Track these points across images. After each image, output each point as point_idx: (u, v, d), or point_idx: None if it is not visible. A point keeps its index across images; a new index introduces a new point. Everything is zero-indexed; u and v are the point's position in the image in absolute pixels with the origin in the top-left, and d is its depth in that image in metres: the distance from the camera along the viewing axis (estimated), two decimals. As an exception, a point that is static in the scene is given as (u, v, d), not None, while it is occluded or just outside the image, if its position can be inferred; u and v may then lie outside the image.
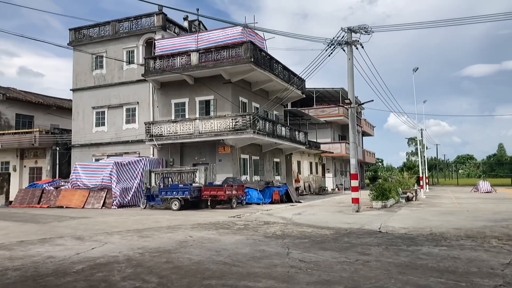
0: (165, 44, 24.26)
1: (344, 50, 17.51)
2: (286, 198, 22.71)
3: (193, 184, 19.09)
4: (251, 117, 21.45)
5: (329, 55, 17.73)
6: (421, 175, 26.78)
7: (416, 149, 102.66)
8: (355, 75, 17.35)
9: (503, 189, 36.21)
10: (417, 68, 27.20)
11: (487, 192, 30.95)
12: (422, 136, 36.62)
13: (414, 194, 23.36)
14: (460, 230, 11.06)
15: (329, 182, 39.31)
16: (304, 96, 31.27)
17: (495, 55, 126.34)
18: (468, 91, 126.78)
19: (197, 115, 23.67)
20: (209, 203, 18.66)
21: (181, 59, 23.38)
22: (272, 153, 27.85)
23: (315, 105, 41.74)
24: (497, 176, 65.63)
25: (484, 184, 32.39)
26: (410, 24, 27.36)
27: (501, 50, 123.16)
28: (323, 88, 41.54)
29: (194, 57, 22.99)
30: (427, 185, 35.92)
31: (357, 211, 16.24)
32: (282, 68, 26.30)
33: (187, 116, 23.99)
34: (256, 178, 25.35)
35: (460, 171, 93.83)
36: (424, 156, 38.53)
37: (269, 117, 26.22)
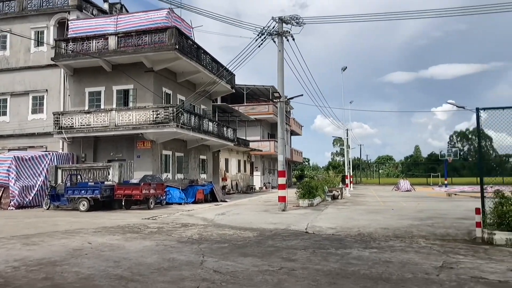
0: (79, 25, 21.80)
1: (274, 42, 16.66)
2: (211, 198, 21.44)
3: (105, 183, 17.09)
4: (175, 110, 19.85)
5: (259, 46, 16.82)
6: (346, 174, 27.00)
7: (341, 149, 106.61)
8: (287, 73, 16.62)
9: (421, 188, 38.01)
10: (346, 67, 27.41)
11: (407, 191, 32.10)
12: (347, 135, 37.32)
13: (339, 192, 23.28)
14: (388, 229, 10.56)
15: (257, 180, 38.71)
16: (233, 91, 30.19)
17: (413, 64, 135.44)
18: (389, 96, 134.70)
19: (114, 106, 21.48)
20: (123, 204, 16.80)
21: (98, 42, 21.09)
22: (198, 150, 26.42)
23: (245, 102, 40.93)
24: (413, 176, 69.67)
25: (404, 183, 33.63)
26: (343, 16, 27.38)
27: (418, 60, 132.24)
28: (254, 85, 40.86)
29: (112, 41, 20.83)
30: (351, 184, 36.64)
31: (284, 210, 15.45)
32: (210, 60, 24.96)
33: (102, 107, 21.69)
34: (180, 176, 23.76)
35: (380, 171, 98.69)
36: (349, 155, 39.33)
37: (195, 111, 24.75)
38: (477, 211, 9.47)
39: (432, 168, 77.50)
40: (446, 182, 40.89)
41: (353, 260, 6.94)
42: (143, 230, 10.63)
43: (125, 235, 9.84)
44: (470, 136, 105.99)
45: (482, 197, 9.79)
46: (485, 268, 6.38)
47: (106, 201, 16.57)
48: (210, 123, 25.03)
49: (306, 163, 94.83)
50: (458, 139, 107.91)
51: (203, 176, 26.84)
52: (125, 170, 19.14)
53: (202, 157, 27.23)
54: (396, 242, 8.97)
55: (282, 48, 16.31)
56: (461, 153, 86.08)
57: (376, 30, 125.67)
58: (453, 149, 44.94)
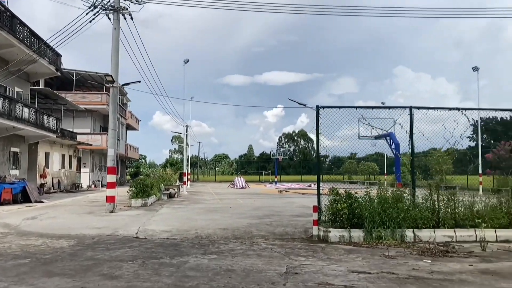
0: None
1: (109, 18, 14.57)
2: (23, 198, 17.86)
3: None
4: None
5: (90, 21, 14.51)
6: (184, 171, 26.10)
7: (180, 146, 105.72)
8: (126, 67, 14.64)
9: (253, 185, 39.61)
10: (188, 60, 26.47)
11: (242, 188, 32.90)
12: (187, 132, 36.48)
13: (176, 190, 22.15)
14: (227, 230, 9.86)
15: (85, 178, 34.71)
16: (59, 73, 26.10)
17: (249, 69, 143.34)
18: (227, 97, 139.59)
19: None
20: None
21: None
22: (9, 141, 21.95)
23: (74, 89, 36.32)
24: (246, 173, 73.26)
25: (239, 180, 34.43)
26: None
27: (254, 65, 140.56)
28: (86, 71, 36.50)
29: None
30: (189, 182, 35.95)
31: (112, 212, 13.55)
32: (29, 33, 20.88)
33: None
34: (-19, 171, 19.26)
35: (217, 168, 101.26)
36: (188, 153, 38.59)
37: (7, 93, 20.44)
38: (314, 209, 9.46)
39: (263, 166, 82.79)
40: (276, 179, 43.62)
41: (190, 272, 5.86)
42: None
43: None
44: (296, 138, 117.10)
45: (319, 195, 9.87)
46: (328, 271, 6.04)
47: None
48: (26, 109, 21.02)
49: (143, 160, 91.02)
50: (286, 140, 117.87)
51: (15, 172, 22.45)
52: None
53: (14, 149, 22.76)
54: (236, 244, 8.26)
55: (118, 26, 14.35)
56: (288, 153, 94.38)
57: (217, 32, 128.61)
58: (282, 149, 48.34)
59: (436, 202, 9.51)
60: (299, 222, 10.98)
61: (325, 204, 9.69)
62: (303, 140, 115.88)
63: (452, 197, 9.63)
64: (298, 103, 10.53)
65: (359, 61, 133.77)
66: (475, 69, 25.94)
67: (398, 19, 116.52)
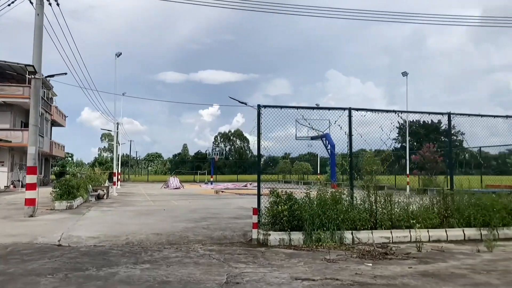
0: None
1: (31, 2, 13.21)
2: None
3: None
4: None
5: (9, 4, 13.14)
6: (114, 171, 24.67)
7: (110, 144, 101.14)
8: (53, 57, 13.35)
9: (188, 185, 38.68)
10: (120, 53, 25.06)
11: (176, 188, 31.92)
12: (117, 129, 34.64)
13: (105, 191, 20.83)
14: (161, 235, 9.23)
15: (3, 178, 31.73)
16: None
17: (185, 66, 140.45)
18: (161, 94, 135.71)
19: None
20: None
21: None
22: None
23: (-10, 81, 33.04)
24: (180, 173, 71.65)
25: (173, 180, 33.39)
26: None
27: (190, 62, 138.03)
28: (5, 61, 33.39)
29: None
30: (119, 182, 34.21)
31: (32, 216, 12.27)
32: None
33: None
34: None
35: (149, 168, 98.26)
36: (119, 151, 36.76)
37: None
38: (254, 211, 9.13)
39: (198, 166, 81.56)
40: (212, 179, 43.01)
41: (120, 285, 5.27)
42: None
43: None
44: (231, 138, 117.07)
45: (259, 197, 9.56)
46: (271, 279, 5.72)
47: None
48: None
49: (69, 159, 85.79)
50: (222, 140, 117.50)
51: None
52: None
53: None
54: (171, 251, 7.71)
55: (42, 12, 13.04)
56: (224, 153, 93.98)
57: (151, 28, 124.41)
58: (217, 149, 47.85)
59: (374, 204, 9.61)
60: (238, 225, 10.61)
61: (265, 206, 9.43)
62: (239, 140, 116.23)
63: (389, 198, 9.79)
64: (239, 101, 10.21)
65: (293, 63, 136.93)
66: (404, 74, 27.26)
67: (330, 24, 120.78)
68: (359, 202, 9.67)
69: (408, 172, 26.75)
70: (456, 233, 9.71)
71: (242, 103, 10.22)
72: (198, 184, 43.03)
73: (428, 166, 25.67)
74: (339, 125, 10.31)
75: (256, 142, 9.92)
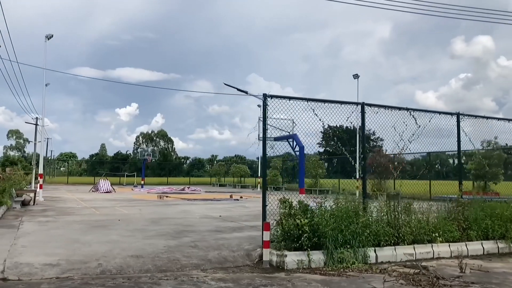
0: None
1: None
2: None
3: None
4: None
5: None
6: (41, 172, 20.94)
7: (17, 142, 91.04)
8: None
9: (118, 188, 35.06)
10: (52, 35, 21.49)
11: (107, 192, 28.65)
12: (36, 123, 30.35)
13: (32, 197, 17.44)
14: (144, 259, 7.11)
15: None
16: None
17: (101, 62, 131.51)
18: (75, 91, 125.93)
19: None
20: None
21: None
22: None
23: None
24: (98, 175, 66.37)
25: (104, 183, 30.00)
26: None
27: (106, 59, 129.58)
28: None
29: None
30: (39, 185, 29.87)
31: None
32: None
33: None
34: None
35: (62, 169, 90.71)
36: (41, 150, 32.29)
37: None
38: (265, 226, 7.37)
39: (117, 167, 76.44)
40: (143, 182, 39.81)
41: None
42: None
43: None
44: (155, 138, 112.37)
45: (264, 207, 7.84)
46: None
47: None
48: None
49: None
50: (144, 140, 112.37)
51: None
52: None
53: None
54: (172, 283, 5.73)
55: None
56: (157, 154, 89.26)
57: (66, 20, 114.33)
58: (150, 149, 44.66)
59: (398, 215, 8.35)
60: (231, 242, 8.73)
61: (275, 220, 7.74)
62: (162, 141, 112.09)
63: (409, 208, 8.62)
64: (238, 89, 8.36)
65: (216, 66, 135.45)
66: (356, 76, 27.05)
67: (252, 28, 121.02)
68: (374, 213, 8.40)
69: (358, 176, 26.46)
70: (475, 247, 8.85)
71: (242, 91, 8.37)
72: (130, 187, 39.51)
73: (379, 170, 25.56)
74: (350, 122, 8.99)
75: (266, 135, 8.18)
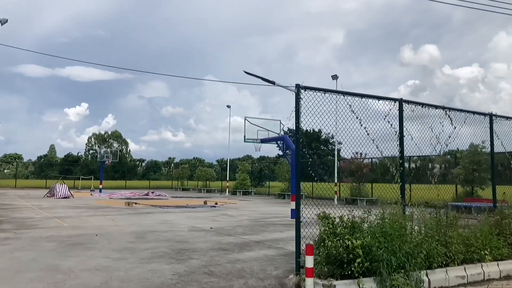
0: None
1: None
2: None
3: None
4: None
5: None
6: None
7: None
8: None
9: (75, 193, 32.16)
10: (6, 20, 18.82)
11: (65, 197, 26.00)
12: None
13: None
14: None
15: None
16: None
17: (50, 60, 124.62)
18: (21, 89, 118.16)
19: None
20: None
21: None
22: None
23: None
24: (47, 178, 61.94)
25: (61, 188, 27.22)
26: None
27: (55, 57, 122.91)
28: None
29: None
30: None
31: None
32: None
33: None
34: None
35: (6, 171, 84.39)
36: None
37: None
38: (308, 249, 5.91)
39: (68, 170, 72.01)
40: (101, 186, 37.02)
41: None
42: None
43: None
44: (108, 139, 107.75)
45: (298, 222, 6.41)
46: None
47: None
48: None
49: None
50: (96, 141, 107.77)
51: None
52: None
53: None
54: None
55: None
56: (118, 155, 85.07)
57: (13, 14, 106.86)
58: (110, 150, 41.81)
59: (449, 230, 7.18)
60: (247, 264, 7.21)
61: (314, 240, 6.34)
62: (116, 142, 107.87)
63: (455, 221, 7.49)
64: (262, 78, 6.83)
65: (171, 66, 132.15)
66: (334, 77, 26.22)
67: (208, 30, 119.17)
68: (415, 228, 7.19)
69: (336, 181, 25.61)
70: (523, 265, 7.87)
71: (268, 81, 6.86)
72: (87, 192, 36.58)
73: (358, 174, 24.84)
74: (388, 121, 7.76)
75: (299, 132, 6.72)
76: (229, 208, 20.19)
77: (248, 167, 38.50)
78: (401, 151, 7.81)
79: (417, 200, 8.33)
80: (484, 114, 9.22)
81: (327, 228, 6.29)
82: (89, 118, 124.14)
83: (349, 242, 5.91)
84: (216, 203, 22.43)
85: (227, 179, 38.23)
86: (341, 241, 5.99)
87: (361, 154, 24.92)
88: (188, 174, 48.51)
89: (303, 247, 6.24)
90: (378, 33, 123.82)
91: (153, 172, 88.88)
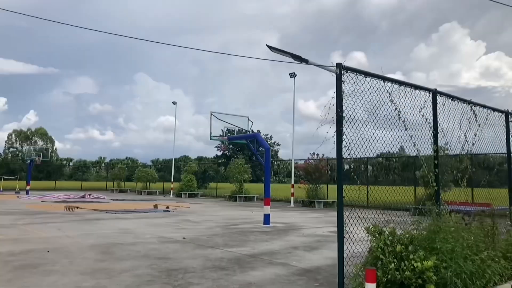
0: None
1: None
2: None
3: None
4: None
5: None
6: None
7: None
8: None
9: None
10: None
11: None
12: None
13: None
14: None
15: None
16: None
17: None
18: None
19: None
20: None
21: None
22: None
23: None
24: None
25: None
26: None
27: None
28: None
29: None
30: None
31: None
32: None
33: None
34: None
35: None
36: None
37: None
38: (369, 275, 4.55)
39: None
40: (28, 187, 33.08)
41: None
42: None
43: None
44: (31, 137, 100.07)
45: (341, 236, 5.08)
46: None
47: None
48: None
49: None
50: (17, 139, 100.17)
51: None
52: None
53: None
54: None
55: None
56: (20, 154, 77.95)
57: None
58: (38, 148, 37.70)
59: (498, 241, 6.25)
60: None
61: (358, 261, 5.05)
62: (41, 140, 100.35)
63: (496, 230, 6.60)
64: (291, 54, 5.41)
65: (99, 62, 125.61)
66: (293, 75, 25.15)
67: (138, 27, 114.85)
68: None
69: (292, 182, 24.65)
70: None
71: (301, 59, 5.43)
72: (12, 194, 32.43)
73: (315, 176, 24.09)
74: (422, 115, 6.71)
75: (341, 122, 5.51)
76: (185, 212, 18.38)
77: (195, 167, 36.44)
78: (436, 149, 6.82)
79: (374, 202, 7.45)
80: (502, 111, 8.58)
81: (382, 245, 5.02)
82: (8, 114, 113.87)
83: (417, 263, 4.69)
84: (167, 207, 20.45)
85: (172, 180, 35.97)
86: (405, 262, 4.76)
87: (317, 154, 24.31)
88: (126, 175, 45.33)
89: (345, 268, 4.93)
90: (309, 38, 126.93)
91: (81, 173, 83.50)
